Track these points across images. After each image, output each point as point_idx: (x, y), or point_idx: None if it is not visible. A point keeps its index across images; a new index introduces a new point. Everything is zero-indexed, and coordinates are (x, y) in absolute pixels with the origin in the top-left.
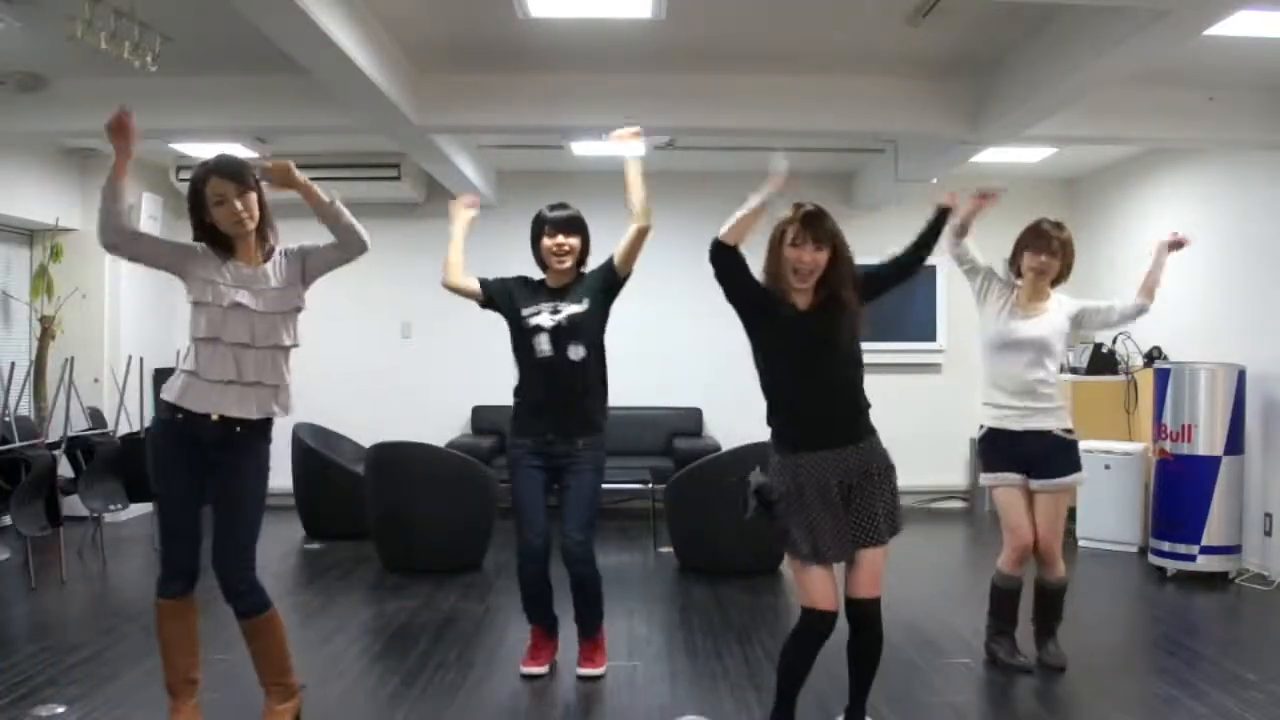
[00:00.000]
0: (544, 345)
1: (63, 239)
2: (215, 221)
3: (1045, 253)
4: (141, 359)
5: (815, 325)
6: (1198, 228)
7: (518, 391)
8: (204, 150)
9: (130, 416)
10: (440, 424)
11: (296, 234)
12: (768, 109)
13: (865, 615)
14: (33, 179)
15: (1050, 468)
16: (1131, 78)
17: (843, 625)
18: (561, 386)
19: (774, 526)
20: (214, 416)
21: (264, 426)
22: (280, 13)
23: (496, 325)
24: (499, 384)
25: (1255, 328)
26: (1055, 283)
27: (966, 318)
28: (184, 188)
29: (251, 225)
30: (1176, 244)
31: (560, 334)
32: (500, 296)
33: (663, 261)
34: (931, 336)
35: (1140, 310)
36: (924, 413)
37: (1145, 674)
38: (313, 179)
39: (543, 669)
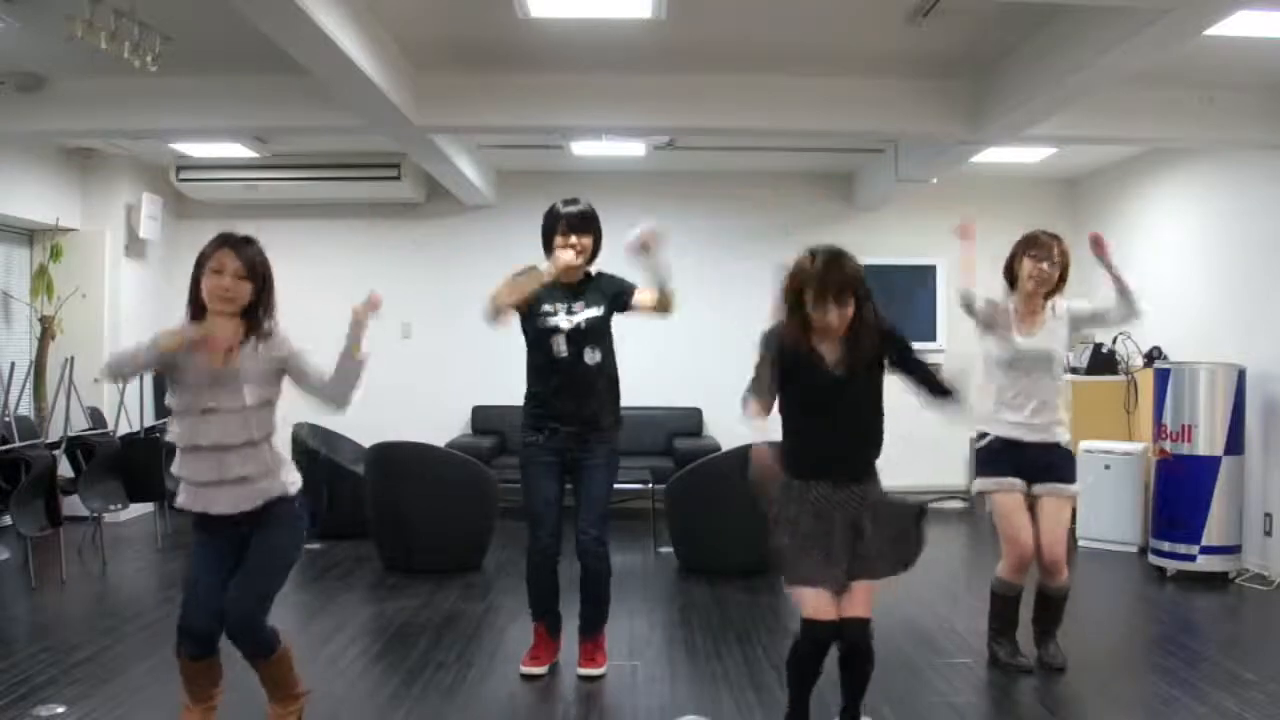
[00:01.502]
0: (561, 347)
1: (63, 239)
2: (204, 289)
3: (1046, 261)
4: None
5: (845, 383)
6: (1198, 228)
7: (531, 390)
8: (204, 150)
9: (130, 416)
10: (440, 424)
11: (297, 233)
12: (768, 109)
13: (853, 634)
14: (33, 179)
15: (1054, 474)
16: (1131, 78)
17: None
18: (576, 387)
19: (771, 546)
20: (224, 515)
21: (285, 503)
22: (280, 13)
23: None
24: (499, 384)
25: (1255, 328)
26: (1050, 294)
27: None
28: (184, 188)
29: (231, 309)
30: (1094, 242)
31: (577, 337)
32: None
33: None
34: (932, 336)
35: (1127, 313)
36: (924, 413)
37: (1145, 674)
38: (313, 179)
39: (542, 669)
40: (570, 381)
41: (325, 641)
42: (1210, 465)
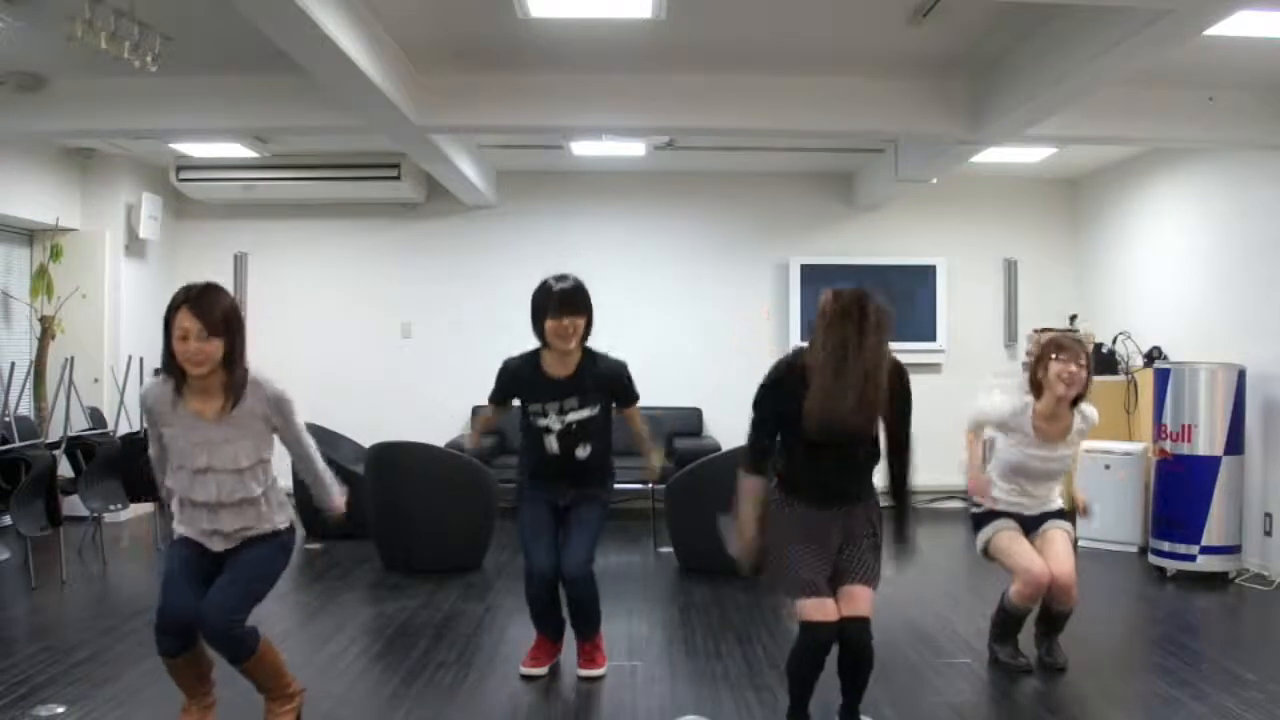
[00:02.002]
0: (552, 445)
1: (63, 239)
2: (175, 351)
3: (1074, 363)
4: (141, 359)
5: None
6: (1198, 228)
7: (522, 461)
8: (204, 150)
9: (130, 416)
10: (440, 424)
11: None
12: (768, 109)
13: (853, 633)
14: (33, 179)
15: (1055, 518)
16: (1131, 78)
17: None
18: (568, 473)
19: (768, 567)
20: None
21: (272, 535)
22: (280, 13)
23: (496, 325)
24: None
25: (1255, 328)
26: (1078, 400)
27: (966, 318)
28: (184, 188)
29: (205, 370)
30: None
31: (568, 437)
32: (509, 394)
33: (663, 262)
34: (931, 336)
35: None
36: (924, 413)
37: (1145, 674)
38: (313, 179)
39: (542, 670)
40: (562, 469)
41: (325, 641)
42: (1210, 465)
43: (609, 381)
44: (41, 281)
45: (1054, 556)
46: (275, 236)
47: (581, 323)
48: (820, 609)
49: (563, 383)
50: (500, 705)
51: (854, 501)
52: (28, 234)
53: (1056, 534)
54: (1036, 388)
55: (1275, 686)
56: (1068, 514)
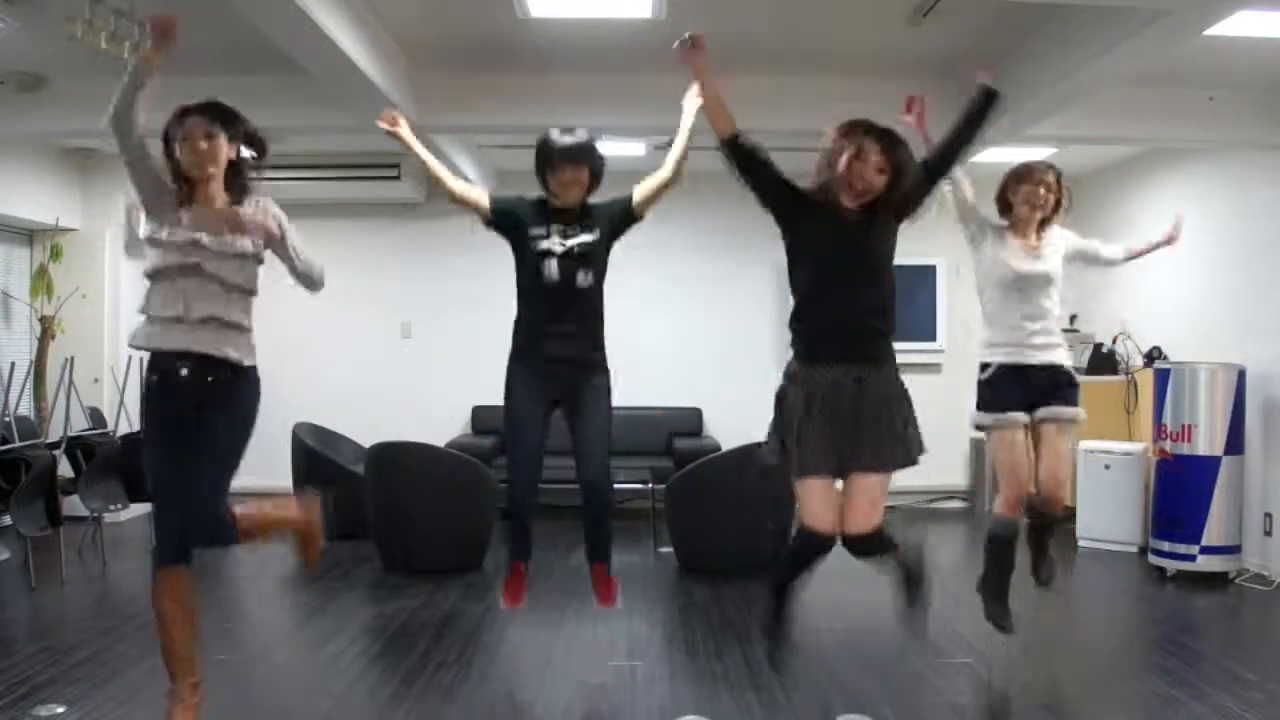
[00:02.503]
0: (552, 271)
1: (63, 239)
2: (180, 160)
3: (1040, 184)
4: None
5: (853, 237)
6: (1198, 228)
7: (519, 319)
8: None
9: (130, 416)
10: (440, 424)
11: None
12: (768, 109)
13: (863, 549)
14: (33, 179)
15: (1057, 396)
16: (1131, 78)
17: (864, 636)
18: (567, 312)
19: (776, 442)
20: (182, 372)
21: (239, 374)
22: (280, 13)
23: (496, 324)
24: (499, 384)
25: (1255, 328)
26: (1045, 223)
27: (967, 318)
28: None
29: (211, 170)
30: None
31: (569, 260)
32: (508, 218)
33: (663, 262)
34: (931, 336)
35: (1115, 263)
36: (923, 412)
37: (1145, 674)
38: (313, 179)
39: (521, 605)
40: (560, 305)
41: (325, 641)
42: (1210, 465)
43: (610, 209)
44: (41, 281)
45: (1045, 465)
46: None
47: (585, 175)
48: (821, 515)
49: (566, 211)
50: (500, 705)
51: (871, 358)
52: (28, 234)
53: (1055, 436)
54: (1006, 207)
55: (1275, 686)
56: (1073, 381)
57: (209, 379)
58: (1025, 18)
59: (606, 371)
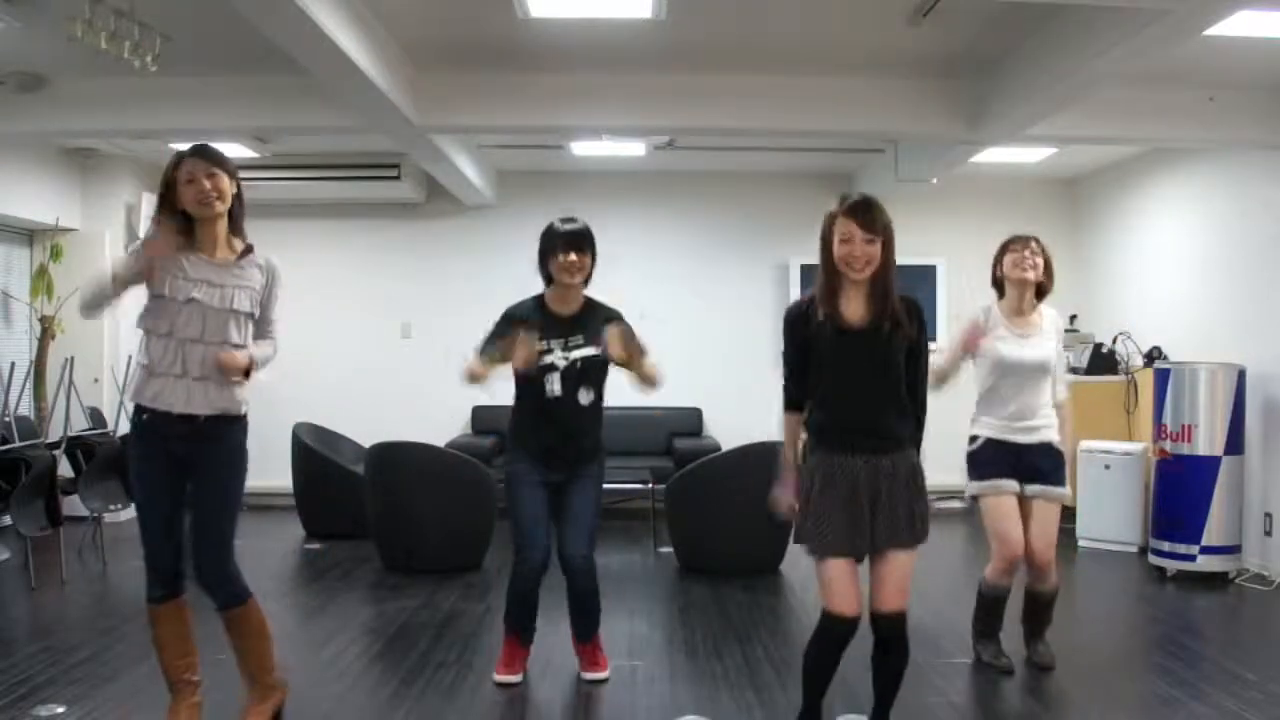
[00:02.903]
0: (555, 386)
1: (63, 239)
2: (183, 203)
3: (1026, 250)
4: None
5: (866, 338)
6: (1198, 228)
7: (517, 426)
8: None
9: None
10: (440, 424)
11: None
12: (768, 109)
13: (889, 629)
14: (33, 179)
15: (1049, 477)
16: (1131, 78)
17: (866, 633)
18: (566, 427)
19: (798, 526)
20: (175, 413)
21: (231, 422)
22: (280, 13)
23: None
24: (499, 385)
25: (1255, 328)
26: (1041, 293)
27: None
28: None
29: (220, 208)
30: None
31: (572, 376)
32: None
33: (663, 262)
34: (932, 336)
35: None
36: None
37: (1145, 674)
38: (313, 179)
39: (518, 677)
40: (560, 420)
41: (325, 641)
42: (1210, 465)
43: (612, 319)
44: (41, 281)
45: (1035, 530)
46: (275, 236)
47: (587, 260)
48: (845, 599)
49: (568, 319)
50: (500, 705)
51: (883, 449)
52: (28, 234)
53: (1045, 507)
54: (999, 287)
55: (1275, 686)
56: (1061, 460)
57: (201, 424)
58: (1025, 18)
59: (601, 464)
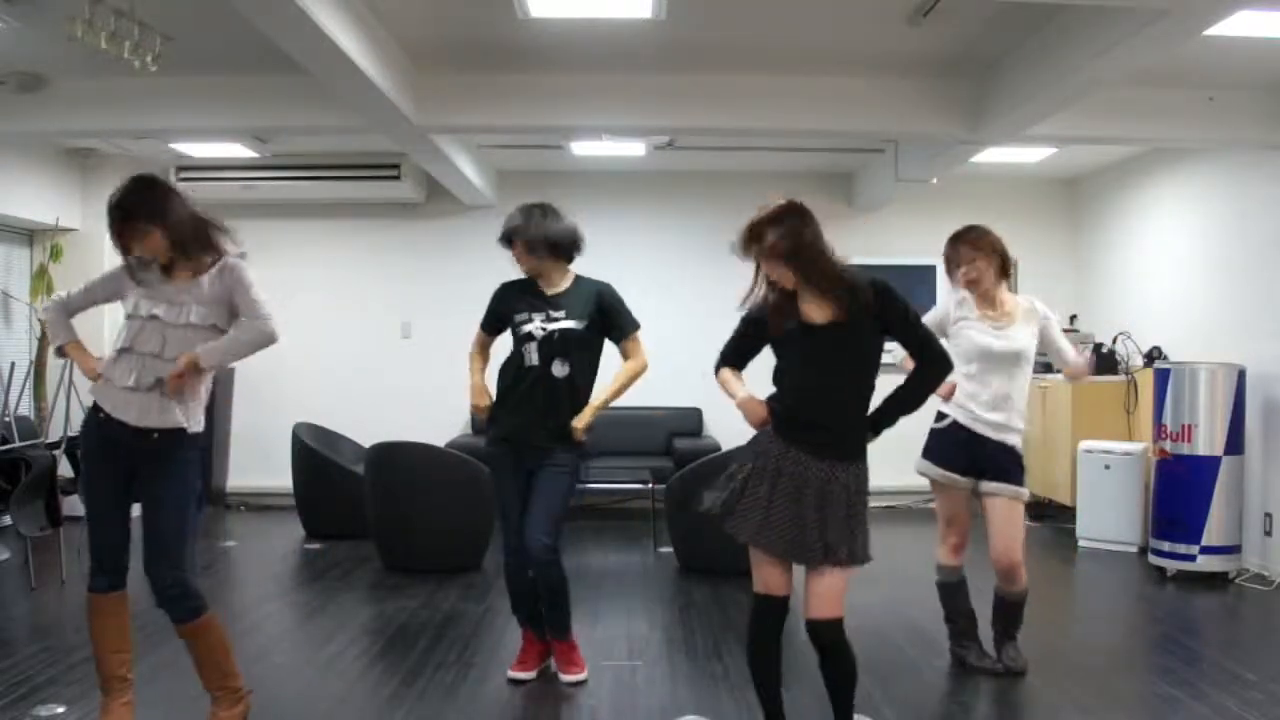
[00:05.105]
0: (532, 356)
1: (63, 239)
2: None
3: (964, 262)
4: None
5: (819, 340)
6: (1198, 228)
7: (498, 391)
8: (204, 150)
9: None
10: (440, 424)
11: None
12: (768, 109)
13: (824, 637)
14: (33, 179)
15: (1006, 475)
16: (1131, 78)
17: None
18: (536, 400)
19: (728, 504)
20: (130, 426)
21: (181, 436)
22: (280, 13)
23: None
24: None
25: (1255, 328)
26: (1004, 275)
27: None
28: (184, 188)
29: (163, 259)
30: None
31: (548, 346)
32: (500, 320)
33: (663, 261)
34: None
35: (1067, 364)
36: (922, 412)
37: (1145, 674)
38: (313, 179)
39: (530, 674)
40: (534, 392)
41: (325, 641)
42: (1210, 465)
43: (599, 295)
44: (41, 281)
45: (1001, 533)
46: (275, 236)
47: (523, 252)
48: (769, 578)
49: (554, 296)
50: (500, 705)
51: (841, 454)
52: (28, 234)
53: (1006, 507)
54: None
55: (1275, 686)
56: (1021, 462)
57: (153, 435)
58: (1025, 18)
59: (579, 456)
